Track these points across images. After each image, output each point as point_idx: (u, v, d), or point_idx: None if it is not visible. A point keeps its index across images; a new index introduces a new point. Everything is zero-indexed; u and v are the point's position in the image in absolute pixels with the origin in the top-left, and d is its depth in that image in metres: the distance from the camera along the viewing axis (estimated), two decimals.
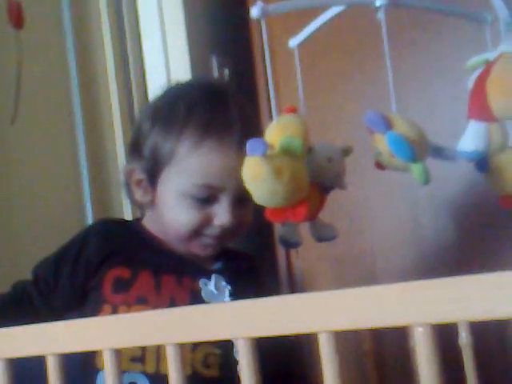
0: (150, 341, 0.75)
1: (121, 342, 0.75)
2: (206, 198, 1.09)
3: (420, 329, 0.56)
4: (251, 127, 1.09)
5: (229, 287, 1.11)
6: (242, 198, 1.08)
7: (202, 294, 1.10)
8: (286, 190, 0.84)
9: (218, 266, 1.14)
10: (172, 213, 1.11)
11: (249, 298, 1.04)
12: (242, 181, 1.03)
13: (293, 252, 1.57)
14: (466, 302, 0.54)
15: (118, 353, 0.76)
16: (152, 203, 1.14)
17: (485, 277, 0.53)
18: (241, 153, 1.06)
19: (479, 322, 0.52)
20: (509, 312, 0.51)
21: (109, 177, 1.81)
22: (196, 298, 1.08)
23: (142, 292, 1.08)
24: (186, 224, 1.10)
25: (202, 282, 1.11)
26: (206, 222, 1.10)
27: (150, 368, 1.05)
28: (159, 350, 1.05)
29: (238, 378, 0.93)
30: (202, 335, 0.70)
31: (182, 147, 1.08)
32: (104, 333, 0.77)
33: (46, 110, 1.79)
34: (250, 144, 0.85)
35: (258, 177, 0.84)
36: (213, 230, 1.10)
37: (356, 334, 1.21)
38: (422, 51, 1.43)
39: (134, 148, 1.15)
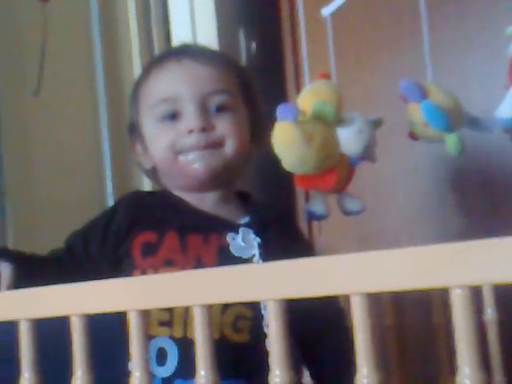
0: (176, 302, 0.74)
1: (146, 303, 0.74)
2: (172, 114, 1.09)
3: (458, 291, 0.55)
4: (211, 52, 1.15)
5: (258, 239, 1.08)
6: (219, 107, 1.09)
7: (231, 248, 1.07)
8: (317, 156, 0.83)
9: (245, 219, 1.11)
10: (153, 146, 1.11)
11: (279, 249, 1.04)
12: (204, 88, 1.07)
13: (315, 227, 1.55)
14: (504, 264, 0.52)
15: (144, 314, 0.75)
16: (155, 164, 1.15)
17: None
18: (197, 64, 1.09)
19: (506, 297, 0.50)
20: None
21: (130, 151, 1.80)
22: (224, 254, 1.06)
23: (168, 254, 1.07)
24: (164, 146, 1.09)
25: (229, 237, 1.08)
26: (180, 135, 1.08)
27: (178, 333, 1.04)
28: (186, 314, 1.04)
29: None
30: (230, 296, 0.69)
31: (141, 85, 1.14)
32: (129, 294, 0.76)
33: (69, 83, 1.79)
34: (281, 109, 0.84)
35: (288, 143, 0.83)
36: (189, 140, 1.08)
37: (378, 307, 1.20)
38: (455, 24, 1.41)
39: (129, 127, 1.19)
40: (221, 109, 1.09)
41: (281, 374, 0.64)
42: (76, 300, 0.79)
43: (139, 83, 1.16)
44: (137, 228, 1.09)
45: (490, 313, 1.12)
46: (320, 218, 1.05)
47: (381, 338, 1.11)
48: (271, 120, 0.95)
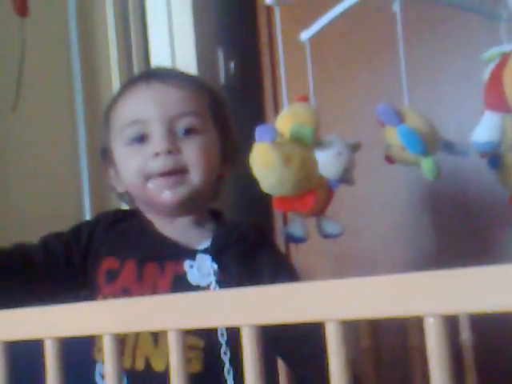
0: (151, 326, 0.74)
1: (122, 326, 0.74)
2: (141, 137, 1.07)
3: (431, 319, 0.55)
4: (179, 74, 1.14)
5: (215, 266, 1.04)
6: (186, 129, 1.07)
7: (188, 276, 1.05)
8: (296, 177, 0.83)
9: (205, 244, 1.08)
10: (123, 170, 1.10)
11: (242, 271, 1.00)
12: (172, 111, 1.05)
13: (292, 247, 1.55)
14: (479, 294, 0.52)
15: (119, 338, 0.74)
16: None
17: (500, 268, 0.51)
18: (166, 86, 1.08)
19: (482, 320, 0.50)
20: None
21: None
22: (180, 283, 1.03)
23: (126, 283, 1.06)
24: (132, 171, 1.08)
25: (187, 265, 1.05)
26: (147, 158, 1.06)
27: (127, 363, 1.03)
28: (136, 345, 1.03)
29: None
30: (205, 321, 0.68)
31: (111, 108, 1.13)
32: (104, 317, 0.75)
33: (47, 99, 1.78)
34: (259, 130, 0.84)
35: (266, 164, 0.83)
36: (155, 164, 1.06)
37: (355, 329, 1.20)
38: (430, 48, 1.43)
39: (101, 151, 1.18)
40: (188, 132, 1.07)
41: None
42: (50, 323, 0.79)
43: (110, 106, 1.15)
44: (104, 252, 1.09)
45: (465, 337, 1.12)
46: (299, 240, 1.05)
47: (356, 360, 1.11)
48: (249, 140, 0.95)
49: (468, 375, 1.13)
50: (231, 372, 1.00)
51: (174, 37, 1.75)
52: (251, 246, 1.06)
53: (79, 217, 1.71)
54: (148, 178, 1.07)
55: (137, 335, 1.04)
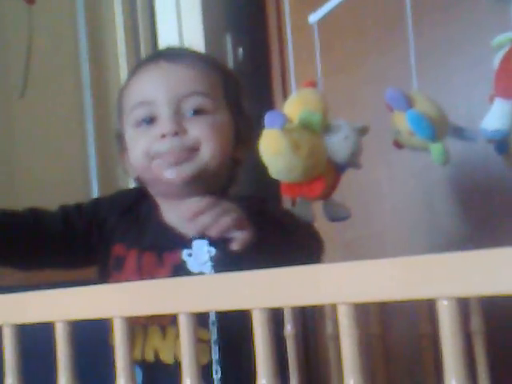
0: (162, 309, 0.74)
1: (132, 310, 0.74)
2: (149, 118, 1.06)
3: (444, 302, 0.55)
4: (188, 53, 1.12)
5: (212, 251, 0.99)
6: (195, 110, 1.05)
7: (189, 265, 1.01)
8: (304, 164, 0.83)
9: None
10: (131, 153, 1.09)
11: (233, 257, 0.95)
12: (180, 91, 1.04)
13: None
14: (493, 275, 0.52)
15: (130, 321, 0.74)
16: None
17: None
18: (175, 65, 1.06)
19: (492, 305, 0.50)
20: None
21: (116, 153, 1.80)
22: (181, 273, 0.99)
23: (128, 274, 1.06)
24: (140, 153, 1.06)
25: (185, 254, 1.01)
26: (154, 140, 1.05)
27: (138, 356, 1.03)
28: (145, 337, 1.03)
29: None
30: (215, 304, 0.68)
31: (123, 91, 1.13)
32: (115, 300, 0.75)
33: (54, 85, 1.78)
34: (269, 117, 0.84)
35: (275, 150, 0.83)
36: (162, 145, 1.04)
37: (364, 316, 1.20)
38: (439, 32, 1.42)
39: (116, 136, 1.17)
40: (197, 112, 1.05)
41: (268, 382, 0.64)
42: (61, 306, 0.79)
43: (122, 89, 1.14)
44: (117, 236, 1.09)
45: (476, 323, 1.12)
46: None
47: (367, 347, 1.12)
48: (258, 126, 0.95)
49: (479, 361, 1.13)
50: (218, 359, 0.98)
51: (182, 23, 1.75)
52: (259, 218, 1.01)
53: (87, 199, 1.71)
54: (153, 157, 1.06)
55: (146, 328, 1.03)
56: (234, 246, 0.90)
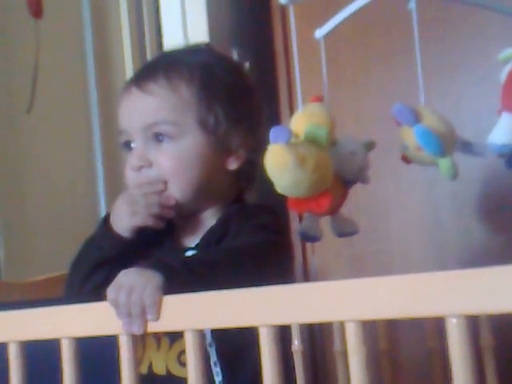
0: (168, 327, 0.73)
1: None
2: (128, 146, 1.06)
3: (453, 320, 0.54)
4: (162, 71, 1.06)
5: None
6: (160, 139, 1.03)
7: None
8: (311, 179, 0.82)
9: (195, 242, 1.05)
10: None
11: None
12: (146, 120, 1.02)
13: (309, 248, 1.55)
14: (503, 293, 0.52)
15: (135, 338, 0.74)
16: None
17: None
18: (142, 93, 1.04)
19: (502, 321, 0.49)
20: None
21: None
22: None
23: None
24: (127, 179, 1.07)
25: None
26: (128, 170, 1.05)
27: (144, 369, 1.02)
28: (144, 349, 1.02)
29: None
30: (223, 321, 0.68)
31: None
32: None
33: (61, 100, 1.79)
34: (273, 132, 0.83)
35: (281, 165, 0.82)
36: (130, 178, 1.04)
37: (372, 331, 1.19)
38: (447, 47, 1.41)
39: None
40: (162, 140, 1.03)
41: None
42: (66, 323, 0.79)
43: None
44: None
45: (486, 338, 1.11)
46: (313, 239, 1.04)
47: (375, 362, 1.11)
48: (264, 141, 0.94)
49: (489, 377, 1.12)
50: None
51: (188, 37, 1.75)
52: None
53: (94, 216, 1.71)
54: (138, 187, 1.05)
55: (144, 340, 1.03)
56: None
